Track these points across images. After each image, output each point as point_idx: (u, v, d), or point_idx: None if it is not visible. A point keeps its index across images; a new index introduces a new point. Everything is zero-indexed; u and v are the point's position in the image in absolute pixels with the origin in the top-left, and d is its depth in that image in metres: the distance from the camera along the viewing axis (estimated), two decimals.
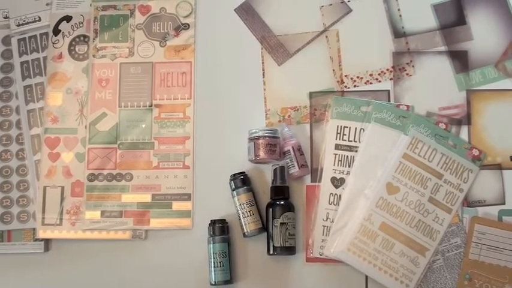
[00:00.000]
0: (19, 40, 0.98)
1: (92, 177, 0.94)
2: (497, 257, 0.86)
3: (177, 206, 0.93)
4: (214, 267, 0.88)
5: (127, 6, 0.99)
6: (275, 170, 0.89)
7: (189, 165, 0.94)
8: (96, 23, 0.98)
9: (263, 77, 0.95)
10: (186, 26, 0.98)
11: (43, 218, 0.93)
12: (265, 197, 0.91)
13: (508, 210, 0.89)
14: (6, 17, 0.99)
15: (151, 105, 0.96)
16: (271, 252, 0.88)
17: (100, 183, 0.94)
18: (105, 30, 0.98)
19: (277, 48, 0.96)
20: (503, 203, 0.89)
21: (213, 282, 0.88)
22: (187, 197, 0.93)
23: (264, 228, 0.89)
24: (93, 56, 0.97)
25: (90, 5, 0.99)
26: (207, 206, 0.93)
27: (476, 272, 0.86)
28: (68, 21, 0.98)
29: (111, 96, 0.96)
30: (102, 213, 0.93)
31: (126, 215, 0.93)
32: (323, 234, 0.89)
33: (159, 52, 0.97)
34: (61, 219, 0.93)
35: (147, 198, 0.94)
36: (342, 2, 0.96)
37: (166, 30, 0.98)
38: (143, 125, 0.95)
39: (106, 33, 0.98)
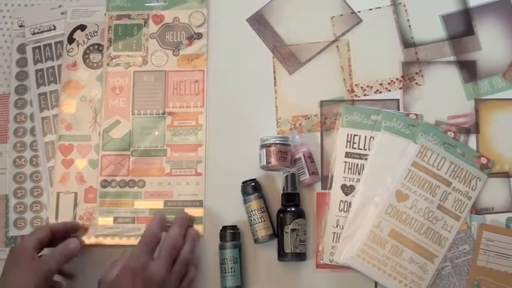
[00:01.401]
0: (34, 48, 1.02)
1: (105, 184, 0.98)
2: (505, 263, 0.90)
3: (189, 212, 0.96)
4: (225, 272, 0.91)
5: (141, 15, 1.03)
6: (286, 177, 0.93)
7: (201, 172, 0.97)
8: (110, 32, 1.02)
9: (274, 85, 0.99)
10: (199, 36, 1.02)
11: None
12: (276, 204, 0.95)
13: None
14: (21, 26, 1.03)
15: (164, 113, 1.00)
16: (282, 258, 0.91)
17: (113, 189, 0.98)
18: (119, 39, 1.02)
19: (288, 57, 1.00)
20: (511, 211, 0.93)
21: None
22: (199, 203, 0.97)
23: (275, 234, 0.93)
24: (107, 64, 1.01)
25: (105, 14, 1.02)
26: (218, 212, 0.96)
27: (485, 279, 0.90)
28: (82, 30, 1.02)
29: (124, 104, 1.00)
30: (115, 219, 0.97)
31: (139, 221, 0.97)
32: (333, 241, 0.93)
33: (172, 61, 1.01)
34: None
35: (159, 204, 0.97)
36: (352, 13, 1.00)
37: (179, 40, 1.02)
38: (156, 133, 0.99)
39: (120, 42, 1.02)
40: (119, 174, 0.98)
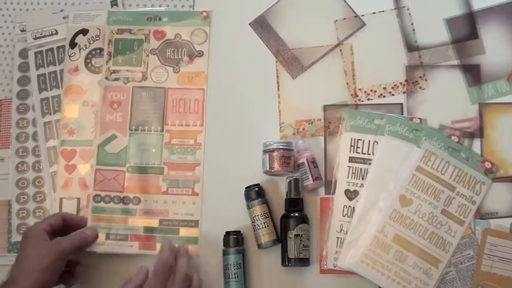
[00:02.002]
0: (36, 53, 1.03)
1: (98, 199, 0.97)
2: (509, 268, 0.91)
3: (184, 232, 0.96)
4: (229, 278, 0.92)
5: (142, 31, 1.03)
6: (289, 182, 0.94)
7: (198, 192, 0.98)
8: (110, 46, 1.02)
9: (278, 90, 1.00)
10: (200, 53, 1.02)
11: None
12: (279, 209, 0.95)
13: None
14: (23, 30, 1.04)
15: (162, 130, 0.99)
16: (286, 263, 0.92)
17: (106, 205, 0.97)
18: (119, 53, 1.02)
19: (291, 61, 1.01)
20: None
21: None
22: (194, 223, 0.97)
23: (279, 239, 0.94)
24: (106, 78, 1.01)
25: (106, 27, 1.02)
26: (221, 217, 0.97)
27: (489, 284, 0.91)
28: (84, 35, 1.02)
29: (121, 118, 1.00)
30: (107, 235, 0.96)
31: (132, 239, 0.96)
32: (337, 246, 0.94)
33: (172, 78, 1.01)
34: None
35: (154, 223, 0.97)
36: (355, 16, 1.01)
37: (180, 57, 1.02)
38: (153, 150, 0.99)
39: (120, 57, 1.02)
40: (113, 190, 0.98)
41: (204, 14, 1.03)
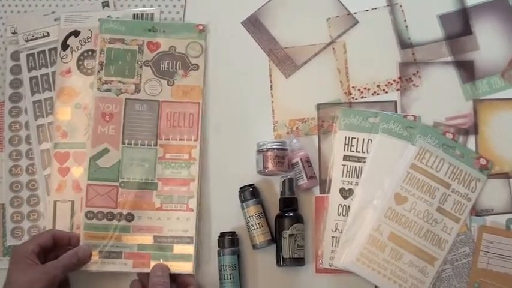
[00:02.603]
0: (28, 55, 1.03)
1: (90, 216, 0.95)
2: (505, 265, 0.91)
3: (178, 249, 0.95)
4: (224, 279, 0.92)
5: (135, 41, 1.00)
6: (283, 181, 0.94)
7: (192, 208, 0.96)
8: (102, 55, 1.00)
9: (271, 89, 1.00)
10: (196, 67, 1.00)
11: None
12: (274, 209, 0.96)
13: None
14: (14, 33, 1.04)
15: (156, 145, 0.98)
16: (281, 263, 0.92)
17: (99, 222, 0.95)
18: (111, 63, 0.99)
19: (284, 60, 1.01)
20: (511, 212, 0.94)
21: None
22: (189, 240, 0.95)
23: (274, 240, 0.94)
24: (98, 88, 0.99)
25: (98, 35, 1.00)
26: (215, 218, 0.97)
27: (485, 281, 0.91)
28: (76, 36, 1.02)
29: (114, 132, 0.98)
30: (100, 253, 0.94)
31: (126, 256, 0.95)
32: (332, 245, 0.94)
33: (167, 91, 0.99)
34: None
35: (148, 239, 0.95)
36: (348, 14, 1.01)
37: (174, 69, 1.00)
38: (147, 165, 0.97)
39: (112, 67, 0.99)
40: (105, 206, 0.96)
41: (200, 27, 1.01)
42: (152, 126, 0.98)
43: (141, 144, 0.98)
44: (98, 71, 0.99)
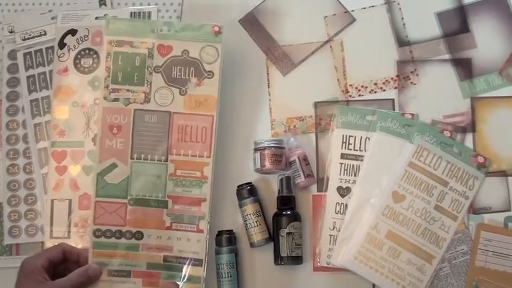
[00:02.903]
0: (25, 54, 1.03)
1: (98, 234, 0.92)
2: (503, 263, 0.91)
3: (187, 270, 0.92)
4: (222, 278, 0.92)
5: (145, 44, 0.94)
6: (281, 180, 0.94)
7: (202, 229, 0.92)
8: (109, 59, 0.93)
9: (268, 87, 1.00)
10: (210, 74, 0.94)
11: (51, 231, 0.97)
12: (272, 207, 0.96)
13: None
14: (11, 32, 1.04)
15: (166, 160, 0.93)
16: (278, 262, 0.92)
17: (107, 240, 0.92)
18: (119, 69, 0.93)
19: (282, 58, 1.01)
20: (509, 210, 0.94)
21: None
22: (199, 262, 0.92)
23: (271, 238, 0.94)
24: (104, 98, 0.93)
25: (104, 37, 0.94)
26: (213, 216, 0.96)
27: (483, 279, 0.91)
28: (73, 35, 1.02)
29: (122, 145, 0.92)
30: (109, 272, 0.92)
31: (135, 275, 0.92)
32: (330, 244, 0.94)
33: (179, 101, 0.93)
34: (69, 232, 0.97)
35: (158, 259, 0.92)
36: (345, 12, 1.01)
37: (187, 77, 0.94)
38: (157, 181, 0.93)
39: (120, 74, 0.93)
40: (114, 224, 0.92)
41: (216, 28, 0.94)
42: (163, 140, 0.93)
43: (150, 159, 0.93)
44: (105, 78, 0.93)
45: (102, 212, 0.92)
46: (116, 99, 0.93)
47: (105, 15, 1.02)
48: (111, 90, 0.93)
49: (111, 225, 0.92)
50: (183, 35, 0.94)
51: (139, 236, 0.92)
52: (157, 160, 0.93)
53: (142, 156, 0.93)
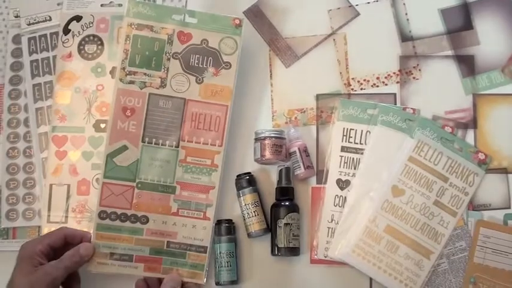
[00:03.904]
0: (29, 39, 1.03)
1: (103, 215, 0.92)
2: (502, 261, 0.91)
3: (191, 257, 0.93)
4: (221, 267, 0.92)
5: (165, 30, 0.94)
6: (280, 170, 0.94)
7: (209, 217, 0.93)
8: (128, 42, 0.93)
9: (271, 78, 1.00)
10: (228, 65, 0.94)
11: (48, 216, 0.97)
12: (270, 198, 0.96)
13: None
14: (17, 16, 1.04)
15: (178, 146, 0.93)
16: (275, 252, 0.92)
17: (112, 222, 0.92)
18: (137, 52, 0.94)
19: (285, 50, 1.01)
20: (509, 207, 0.94)
21: (220, 282, 0.92)
22: (203, 249, 0.93)
23: (269, 228, 0.94)
24: (120, 79, 0.93)
25: (125, 18, 0.94)
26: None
27: (481, 276, 0.91)
28: (78, 21, 1.02)
29: (135, 128, 0.93)
30: (111, 255, 0.92)
31: (137, 260, 0.92)
32: (328, 236, 0.94)
33: (194, 89, 0.94)
34: (66, 217, 0.96)
35: (161, 244, 0.93)
36: (349, 6, 1.01)
37: (205, 66, 0.94)
38: (166, 166, 0.93)
39: (137, 56, 0.94)
40: (120, 206, 0.93)
41: (237, 21, 0.95)
42: (176, 126, 0.93)
43: (162, 144, 0.93)
44: (123, 60, 0.94)
45: (109, 194, 0.93)
46: (132, 82, 0.94)
47: (110, 2, 1.03)
48: (127, 72, 0.94)
49: (117, 208, 0.93)
50: (204, 25, 0.95)
51: (144, 220, 0.93)
52: (169, 146, 0.94)
53: (154, 140, 0.93)
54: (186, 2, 1.05)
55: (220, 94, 0.94)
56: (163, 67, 0.94)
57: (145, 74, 0.94)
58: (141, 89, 0.94)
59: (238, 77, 0.99)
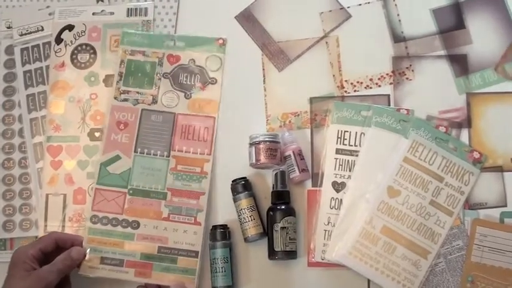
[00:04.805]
0: (22, 49, 1.04)
1: (95, 220, 0.96)
2: (499, 259, 0.91)
3: (182, 262, 0.95)
4: (216, 272, 0.92)
5: (156, 54, 1.02)
6: (276, 174, 0.94)
7: (200, 222, 0.96)
8: (122, 66, 1.01)
9: (264, 83, 1.01)
10: (213, 81, 1.01)
11: (45, 226, 0.97)
12: (266, 202, 0.96)
13: (510, 213, 0.93)
14: (9, 27, 1.05)
15: (168, 156, 0.98)
16: (272, 257, 0.92)
17: (103, 227, 0.96)
18: (131, 74, 1.01)
19: (277, 54, 1.02)
20: (505, 205, 0.94)
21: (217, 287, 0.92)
22: (194, 254, 0.95)
23: (265, 233, 0.94)
24: (115, 97, 1.00)
25: (120, 47, 1.02)
26: (208, 211, 0.97)
27: (479, 275, 0.91)
28: (70, 30, 1.03)
29: (127, 140, 0.99)
30: (102, 259, 0.94)
31: (128, 264, 0.95)
32: (324, 239, 0.94)
33: (183, 103, 1.01)
34: (63, 226, 0.97)
35: (152, 249, 0.95)
36: (341, 8, 1.02)
37: (192, 83, 1.01)
38: (157, 174, 0.98)
39: (131, 78, 1.01)
40: (112, 211, 0.96)
41: (221, 41, 1.02)
42: (166, 138, 0.99)
43: (153, 154, 0.98)
44: (117, 81, 1.01)
45: (101, 199, 0.97)
46: (126, 100, 1.01)
47: (102, 11, 1.04)
48: (121, 91, 1.01)
49: (109, 213, 0.96)
50: (191, 47, 1.03)
51: (135, 225, 0.95)
52: (160, 155, 0.98)
53: (146, 151, 0.99)
54: (178, 10, 1.05)
55: (207, 107, 1.01)
56: (154, 85, 1.02)
57: (138, 92, 1.01)
58: (134, 105, 1.01)
59: (231, 83, 1.01)
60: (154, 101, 1.00)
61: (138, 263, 0.94)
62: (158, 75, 1.02)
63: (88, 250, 0.94)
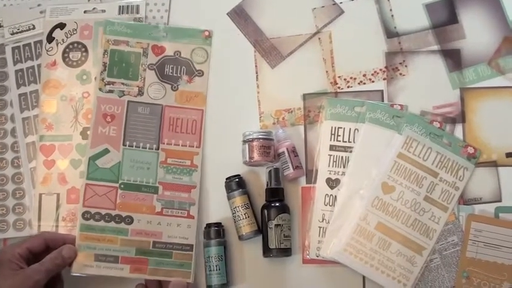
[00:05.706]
0: (13, 48, 1.04)
1: (87, 216, 0.95)
2: (494, 254, 0.91)
3: (178, 256, 0.95)
4: (210, 271, 0.92)
5: (140, 44, 1.01)
6: (269, 172, 0.94)
7: (193, 215, 0.96)
8: (106, 56, 1.00)
9: (257, 80, 1.01)
10: (200, 73, 1.01)
11: (39, 226, 0.97)
12: (260, 200, 0.96)
13: (505, 207, 0.93)
14: (0, 26, 1.05)
15: (157, 149, 0.98)
16: (267, 254, 0.92)
17: (96, 223, 0.95)
18: (115, 65, 1.00)
19: (270, 51, 1.01)
20: (500, 200, 0.94)
21: (211, 286, 0.92)
22: (189, 247, 0.95)
23: (260, 230, 0.94)
24: (100, 89, 0.99)
25: (103, 36, 1.01)
26: (201, 209, 0.97)
27: (474, 270, 0.91)
28: (61, 29, 1.03)
29: (115, 133, 0.97)
30: (96, 256, 0.93)
31: (123, 261, 0.94)
32: (319, 236, 0.94)
33: (170, 95, 1.00)
34: (57, 226, 0.97)
35: (147, 244, 0.95)
36: (334, 4, 1.02)
37: (179, 75, 1.01)
38: (148, 168, 0.97)
39: (115, 68, 1.00)
40: (104, 207, 0.95)
41: (206, 33, 1.02)
42: (154, 130, 0.98)
43: (142, 147, 0.98)
44: (101, 72, 0.99)
45: (92, 195, 0.96)
46: (111, 91, 0.99)
47: (93, 8, 1.03)
48: (106, 82, 1.00)
49: (101, 208, 0.95)
50: (176, 38, 1.02)
51: (129, 220, 0.95)
52: (149, 148, 0.98)
53: (134, 144, 0.98)
54: (170, 7, 1.05)
55: (195, 99, 1.00)
56: (140, 77, 1.00)
57: (123, 83, 1.00)
58: (119, 97, 0.99)
59: (222, 78, 1.01)
60: (141, 92, 0.99)
61: (134, 259, 0.94)
62: (143, 66, 1.00)
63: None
